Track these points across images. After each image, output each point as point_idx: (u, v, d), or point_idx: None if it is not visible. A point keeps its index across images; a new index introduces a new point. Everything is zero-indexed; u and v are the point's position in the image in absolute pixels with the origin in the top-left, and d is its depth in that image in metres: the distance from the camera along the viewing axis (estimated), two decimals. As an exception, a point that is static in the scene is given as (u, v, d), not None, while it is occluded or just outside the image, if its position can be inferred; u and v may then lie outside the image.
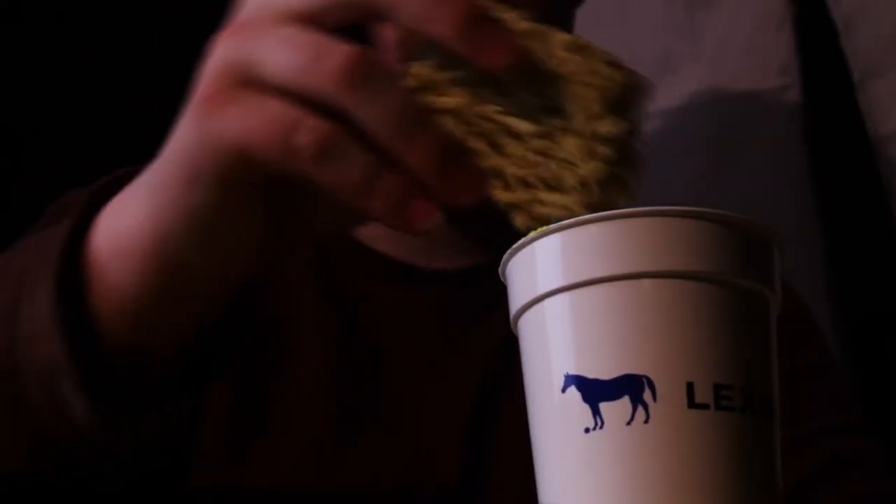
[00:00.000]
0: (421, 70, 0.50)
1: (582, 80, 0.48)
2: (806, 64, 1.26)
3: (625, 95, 0.49)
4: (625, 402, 0.47)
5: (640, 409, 0.47)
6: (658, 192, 1.29)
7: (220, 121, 0.50)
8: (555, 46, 0.49)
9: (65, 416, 0.56)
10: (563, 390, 0.48)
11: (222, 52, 0.51)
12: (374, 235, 0.86)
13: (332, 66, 0.48)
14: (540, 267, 0.50)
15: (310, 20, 0.50)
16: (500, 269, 0.52)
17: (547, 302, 0.49)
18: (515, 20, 0.49)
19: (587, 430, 0.47)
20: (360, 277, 0.85)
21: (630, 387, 0.47)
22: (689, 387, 0.47)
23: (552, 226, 0.49)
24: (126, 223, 0.55)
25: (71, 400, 0.55)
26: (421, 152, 0.49)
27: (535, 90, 0.49)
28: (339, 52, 0.48)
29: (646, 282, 0.48)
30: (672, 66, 1.30)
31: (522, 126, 0.49)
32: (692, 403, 0.47)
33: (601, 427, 0.47)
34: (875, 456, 0.87)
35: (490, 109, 0.49)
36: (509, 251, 0.51)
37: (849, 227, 1.26)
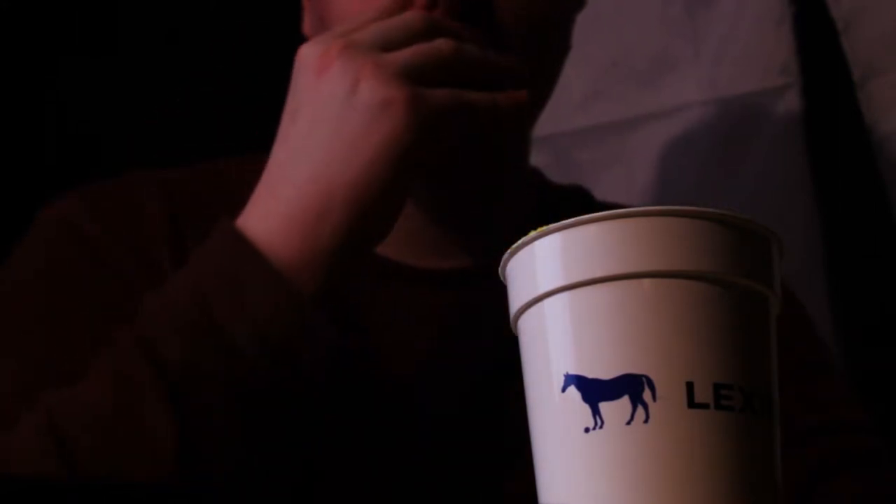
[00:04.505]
0: None
1: None
2: (806, 63, 1.26)
3: None
4: (624, 402, 0.47)
5: (640, 409, 0.47)
6: (658, 192, 1.29)
7: None
8: None
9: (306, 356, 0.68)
10: (563, 390, 0.48)
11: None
12: None
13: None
14: (540, 267, 0.50)
15: None
16: (500, 269, 0.52)
17: (547, 302, 0.49)
18: None
19: (587, 430, 0.48)
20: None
21: (630, 386, 0.47)
22: (689, 386, 0.47)
23: (552, 225, 0.49)
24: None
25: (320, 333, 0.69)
26: None
27: None
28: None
29: (646, 282, 0.48)
30: (672, 66, 1.30)
31: None
32: (692, 403, 0.47)
33: (601, 427, 0.47)
34: (877, 454, 0.87)
35: None
36: (509, 251, 0.51)
37: (849, 226, 1.26)
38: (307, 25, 0.90)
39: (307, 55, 0.74)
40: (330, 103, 0.72)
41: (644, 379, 0.47)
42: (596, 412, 0.47)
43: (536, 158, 0.95)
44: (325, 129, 0.72)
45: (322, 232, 0.71)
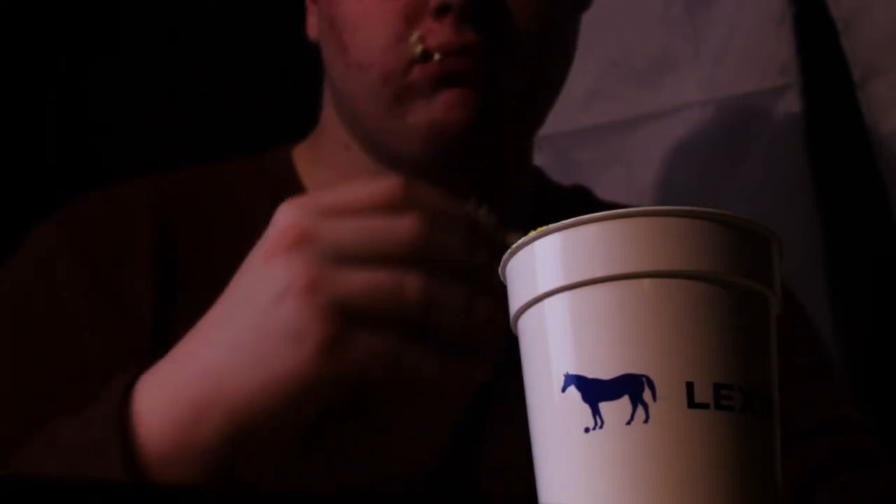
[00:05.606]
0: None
1: None
2: (806, 64, 1.26)
3: None
4: (624, 402, 0.47)
5: (640, 409, 0.47)
6: (658, 192, 1.29)
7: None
8: None
9: None
10: (563, 390, 0.48)
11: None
12: None
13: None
14: (540, 267, 0.50)
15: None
16: (499, 269, 0.52)
17: (547, 302, 0.49)
18: None
19: (587, 430, 0.48)
20: None
21: (630, 386, 0.47)
22: (689, 386, 0.47)
23: (552, 225, 0.49)
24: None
25: None
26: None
27: None
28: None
29: (646, 282, 0.48)
30: (672, 66, 1.30)
31: None
32: (692, 403, 0.47)
33: (601, 427, 0.47)
34: (875, 454, 0.87)
35: None
36: (509, 251, 0.51)
37: (849, 226, 1.26)
38: (312, 28, 0.88)
39: (277, 220, 0.65)
40: (255, 300, 0.65)
41: (644, 379, 0.47)
42: (596, 412, 0.47)
43: (536, 158, 0.95)
44: (239, 325, 0.65)
45: (200, 432, 0.65)
